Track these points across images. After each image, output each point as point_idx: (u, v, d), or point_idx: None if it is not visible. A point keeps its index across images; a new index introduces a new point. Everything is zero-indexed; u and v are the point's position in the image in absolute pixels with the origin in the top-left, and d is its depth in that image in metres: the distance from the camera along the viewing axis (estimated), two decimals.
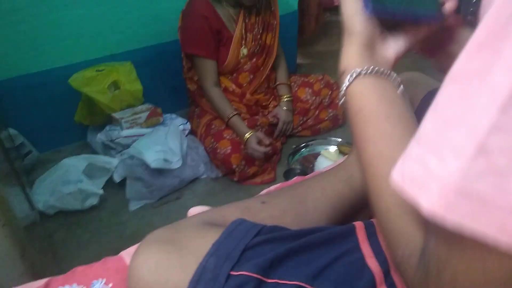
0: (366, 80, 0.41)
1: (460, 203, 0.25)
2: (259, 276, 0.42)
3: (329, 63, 2.55)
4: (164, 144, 1.47)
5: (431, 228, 0.30)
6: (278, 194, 0.60)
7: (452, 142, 0.26)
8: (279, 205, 0.57)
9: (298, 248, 0.45)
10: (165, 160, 1.43)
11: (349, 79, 0.41)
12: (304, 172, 1.52)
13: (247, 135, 1.51)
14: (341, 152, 1.57)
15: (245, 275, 0.42)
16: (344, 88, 0.42)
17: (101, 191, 1.43)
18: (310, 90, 1.79)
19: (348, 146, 1.59)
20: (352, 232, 0.49)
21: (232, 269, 0.43)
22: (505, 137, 0.23)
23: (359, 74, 0.41)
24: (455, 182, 0.25)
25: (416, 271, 0.33)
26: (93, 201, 1.42)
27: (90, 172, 1.48)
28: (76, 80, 1.55)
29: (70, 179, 1.40)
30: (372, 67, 0.41)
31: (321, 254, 0.45)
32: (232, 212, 0.55)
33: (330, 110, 1.80)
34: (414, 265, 0.33)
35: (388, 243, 0.37)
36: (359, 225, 0.50)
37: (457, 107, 0.26)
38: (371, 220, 0.51)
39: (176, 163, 1.45)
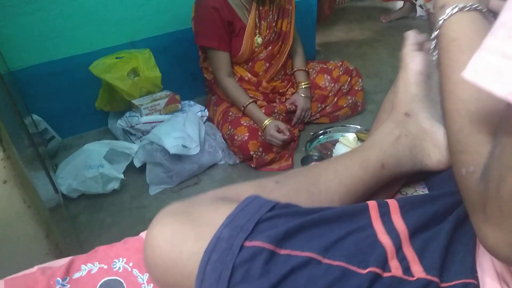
0: (466, 14, 0.44)
1: None
2: (272, 247, 0.43)
3: (348, 49, 2.51)
4: (182, 130, 1.49)
5: (500, 128, 0.31)
6: (292, 175, 0.60)
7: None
8: (292, 185, 0.57)
9: (311, 222, 0.46)
10: (184, 146, 1.45)
11: (450, 11, 0.44)
12: (321, 159, 1.51)
13: (266, 122, 1.51)
14: (359, 139, 1.56)
15: (258, 246, 0.43)
16: (443, 19, 0.45)
17: (122, 176, 1.46)
18: (328, 77, 1.76)
19: (366, 133, 1.58)
20: (365, 210, 0.49)
21: (245, 240, 0.44)
22: None
23: (462, 8, 0.43)
24: None
25: (477, 187, 0.34)
26: (115, 185, 1.46)
27: (111, 157, 1.51)
28: (97, 67, 1.58)
29: (92, 164, 1.44)
30: (474, 4, 0.43)
31: (333, 228, 0.46)
32: (246, 189, 0.55)
33: (349, 97, 1.78)
34: (475, 181, 0.35)
35: (454, 164, 0.39)
36: (372, 204, 0.50)
37: None
38: (386, 200, 0.51)
39: (194, 149, 1.47)
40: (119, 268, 0.62)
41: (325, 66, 1.80)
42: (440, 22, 0.45)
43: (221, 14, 1.50)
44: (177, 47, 1.82)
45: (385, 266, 0.43)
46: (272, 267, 0.42)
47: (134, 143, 1.60)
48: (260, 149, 1.51)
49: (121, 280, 0.60)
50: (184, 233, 0.47)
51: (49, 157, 1.60)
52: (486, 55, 0.28)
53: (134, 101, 1.63)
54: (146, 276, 0.61)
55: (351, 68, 1.81)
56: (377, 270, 0.42)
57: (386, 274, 0.43)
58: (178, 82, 1.81)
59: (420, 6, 2.71)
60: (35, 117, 1.59)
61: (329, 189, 0.57)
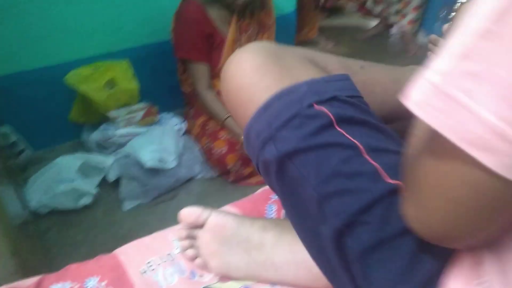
0: None
1: (435, 102, 0.28)
2: (333, 118, 0.46)
3: None
4: (159, 143, 1.46)
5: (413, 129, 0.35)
6: (378, 65, 0.63)
7: (449, 45, 0.29)
8: (374, 74, 0.60)
9: (374, 125, 0.49)
10: (160, 160, 1.42)
11: None
12: None
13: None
14: None
15: (323, 111, 0.46)
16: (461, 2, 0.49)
17: (95, 190, 1.42)
18: None
19: None
20: None
21: (316, 103, 0.47)
22: (488, 45, 0.26)
23: None
24: (437, 81, 0.28)
25: (409, 172, 0.38)
26: (87, 200, 1.41)
27: (84, 171, 1.46)
28: (72, 78, 1.53)
29: (64, 178, 1.39)
30: None
31: (389, 141, 0.49)
32: (334, 63, 0.57)
33: None
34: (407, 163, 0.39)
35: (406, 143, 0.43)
36: None
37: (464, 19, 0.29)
38: None
39: (171, 163, 1.44)
40: (92, 287, 0.59)
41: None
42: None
43: (200, 27, 1.50)
44: (155, 59, 1.80)
45: None
46: (322, 133, 0.45)
47: (109, 156, 1.55)
48: (239, 163, 1.50)
49: None
50: (268, 68, 0.50)
51: (19, 171, 1.53)
52: (423, 73, 0.30)
53: (110, 113, 1.59)
54: None
55: None
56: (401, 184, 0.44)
57: None
58: (156, 94, 1.78)
59: (395, 23, 2.79)
60: (5, 128, 1.53)
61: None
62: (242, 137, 1.54)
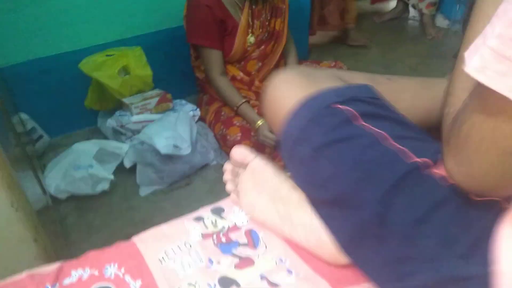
0: None
1: (494, 65, 0.30)
2: (355, 113, 0.50)
3: (340, 49, 2.51)
4: (174, 130, 1.47)
5: (472, 93, 0.37)
6: (405, 77, 0.67)
7: (501, 13, 0.31)
8: (403, 85, 0.64)
9: (399, 120, 0.53)
10: (175, 146, 1.43)
11: None
12: None
13: (259, 122, 1.50)
14: None
15: (346, 109, 0.51)
16: None
17: (111, 176, 1.44)
18: None
19: None
20: None
21: (339, 104, 0.52)
22: None
23: None
24: (493, 45, 0.30)
25: (449, 125, 0.41)
26: (104, 186, 1.43)
27: (101, 157, 1.48)
28: (86, 65, 1.54)
29: (81, 164, 1.41)
30: None
31: (411, 131, 0.53)
32: (360, 77, 0.63)
33: None
34: (449, 120, 0.42)
35: (444, 104, 0.47)
36: None
37: None
38: None
39: (185, 149, 1.45)
40: (111, 274, 0.60)
41: (318, 66, 1.80)
42: None
43: (213, 12, 1.48)
44: (168, 45, 1.80)
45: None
46: (343, 126, 0.50)
47: (125, 142, 1.57)
48: (254, 149, 1.49)
49: (113, 287, 0.58)
50: (298, 82, 0.58)
51: (37, 157, 1.56)
52: (477, 40, 0.32)
53: (124, 100, 1.60)
54: (138, 283, 0.59)
55: (344, 68, 1.81)
56: (428, 161, 0.47)
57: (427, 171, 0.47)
58: (170, 81, 1.79)
59: (413, 6, 2.72)
60: (22, 115, 1.56)
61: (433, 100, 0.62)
62: (258, 122, 1.53)
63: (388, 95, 0.56)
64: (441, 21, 2.68)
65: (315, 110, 0.52)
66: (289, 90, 0.58)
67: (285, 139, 0.55)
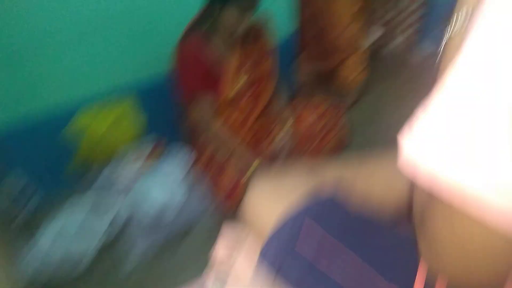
0: None
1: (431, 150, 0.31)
2: (316, 256, 0.53)
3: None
4: (166, 183, 1.44)
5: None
6: (377, 157, 0.69)
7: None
8: (374, 167, 0.66)
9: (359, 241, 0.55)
10: (168, 201, 1.39)
11: None
12: None
13: (254, 165, 1.47)
14: None
15: (308, 252, 0.54)
16: None
17: (91, 255, 1.38)
18: (313, 113, 1.74)
19: None
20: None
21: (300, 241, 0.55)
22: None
23: None
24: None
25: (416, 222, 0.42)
26: (83, 266, 1.38)
27: (95, 210, 1.43)
28: (78, 120, 1.53)
29: (61, 244, 1.36)
30: None
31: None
32: (330, 169, 0.66)
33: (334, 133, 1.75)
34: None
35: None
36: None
37: None
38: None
39: (179, 201, 1.41)
40: None
41: (309, 102, 1.78)
42: None
43: (201, 61, 1.48)
44: (162, 89, 1.78)
45: None
46: (308, 278, 0.53)
47: (117, 198, 1.52)
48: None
49: None
50: (270, 202, 0.62)
51: (21, 230, 1.49)
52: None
53: (117, 151, 1.57)
54: None
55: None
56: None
57: None
58: (163, 125, 1.76)
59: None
60: (14, 174, 1.51)
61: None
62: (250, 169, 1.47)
63: (361, 181, 0.59)
64: (425, 49, 2.71)
65: (282, 255, 0.56)
66: (266, 206, 0.62)
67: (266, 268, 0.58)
